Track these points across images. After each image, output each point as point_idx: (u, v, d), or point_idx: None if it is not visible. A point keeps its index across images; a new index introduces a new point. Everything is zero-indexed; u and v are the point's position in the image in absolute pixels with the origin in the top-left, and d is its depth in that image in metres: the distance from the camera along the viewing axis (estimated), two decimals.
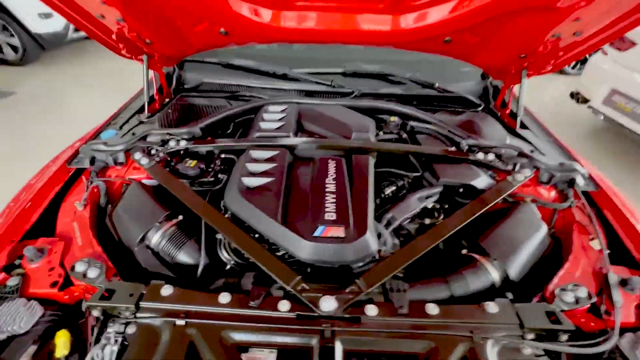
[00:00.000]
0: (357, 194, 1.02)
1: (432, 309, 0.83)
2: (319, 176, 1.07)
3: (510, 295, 0.92)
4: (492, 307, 0.84)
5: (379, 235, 0.98)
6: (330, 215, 0.95)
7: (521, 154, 1.25)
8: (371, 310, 0.82)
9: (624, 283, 0.91)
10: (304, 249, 0.90)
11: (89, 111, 4.04)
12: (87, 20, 1.20)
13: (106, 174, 1.21)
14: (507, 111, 1.64)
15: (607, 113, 3.46)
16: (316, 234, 0.91)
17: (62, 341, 0.80)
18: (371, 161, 1.16)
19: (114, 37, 1.31)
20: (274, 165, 1.12)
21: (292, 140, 1.25)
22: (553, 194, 1.20)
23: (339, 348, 0.77)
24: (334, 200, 0.99)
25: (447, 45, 1.35)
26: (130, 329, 0.80)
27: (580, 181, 1.17)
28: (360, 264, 0.94)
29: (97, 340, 0.80)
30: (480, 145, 1.29)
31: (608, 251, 0.99)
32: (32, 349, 0.80)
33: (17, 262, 0.96)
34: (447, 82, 1.79)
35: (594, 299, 0.87)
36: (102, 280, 0.89)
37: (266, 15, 1.20)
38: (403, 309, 0.83)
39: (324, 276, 0.94)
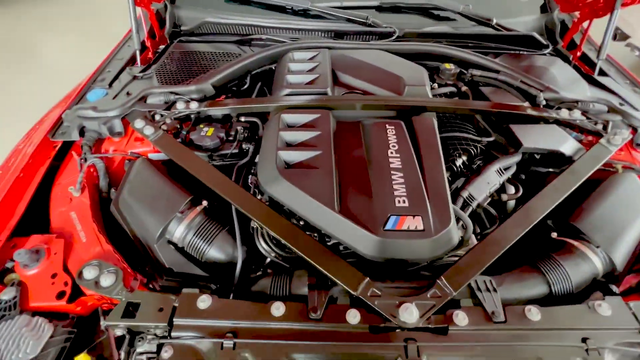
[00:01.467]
0: (429, 171, 0.80)
1: (535, 313, 0.67)
2: (378, 147, 0.85)
3: (616, 289, 0.77)
4: (604, 307, 0.69)
5: (457, 220, 0.79)
6: (403, 201, 0.74)
7: (612, 110, 1.02)
8: (461, 318, 0.66)
9: None
10: (371, 245, 0.71)
11: (64, 60, 3.55)
12: None
13: (102, 149, 0.97)
14: (579, 53, 1.35)
15: None
16: (388, 226, 0.71)
17: None
18: (435, 124, 0.93)
19: None
20: (317, 133, 0.88)
21: (335, 99, 0.99)
22: None
23: None
24: (403, 180, 0.78)
25: None
26: (166, 353, 0.64)
27: None
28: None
29: None
30: (562, 100, 1.05)
31: None
32: None
33: (8, 264, 0.77)
34: (501, 16, 1.46)
35: None
36: (120, 289, 0.71)
37: None
38: (498, 315, 0.67)
39: (386, 270, 0.77)
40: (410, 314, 0.65)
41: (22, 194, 0.87)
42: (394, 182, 0.77)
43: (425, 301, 0.67)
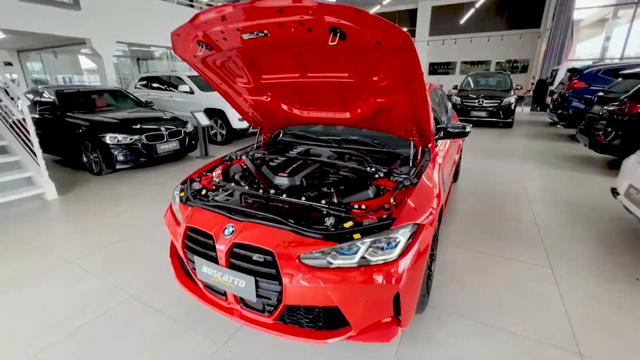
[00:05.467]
0: (301, 169, 2.71)
1: (304, 200, 2.37)
2: (293, 163, 2.84)
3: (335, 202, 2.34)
4: (322, 204, 2.31)
5: (302, 183, 2.61)
6: (287, 171, 2.68)
7: (388, 170, 2.65)
8: (284, 196, 2.44)
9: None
10: (274, 179, 2.65)
11: None
12: (242, 113, 3.53)
13: (232, 162, 3.32)
14: (418, 162, 2.98)
15: (626, 204, 3.70)
16: (279, 174, 2.65)
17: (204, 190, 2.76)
18: (315, 165, 2.84)
19: (250, 119, 3.60)
20: (282, 161, 2.97)
21: (299, 157, 3.10)
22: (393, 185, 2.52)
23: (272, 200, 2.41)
24: (291, 169, 2.73)
25: (373, 125, 2.98)
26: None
27: (399, 181, 2.47)
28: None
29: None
30: (377, 168, 2.75)
31: (394, 204, 2.28)
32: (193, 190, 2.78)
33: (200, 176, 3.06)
34: (400, 148, 3.26)
35: (365, 209, 2.21)
36: (218, 181, 2.85)
37: (298, 111, 3.21)
38: (295, 199, 2.41)
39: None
40: (276, 194, 2.49)
41: (208, 167, 3.25)
42: (289, 169, 2.73)
43: (279, 195, 2.50)
